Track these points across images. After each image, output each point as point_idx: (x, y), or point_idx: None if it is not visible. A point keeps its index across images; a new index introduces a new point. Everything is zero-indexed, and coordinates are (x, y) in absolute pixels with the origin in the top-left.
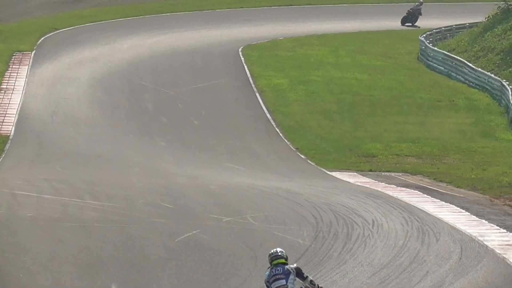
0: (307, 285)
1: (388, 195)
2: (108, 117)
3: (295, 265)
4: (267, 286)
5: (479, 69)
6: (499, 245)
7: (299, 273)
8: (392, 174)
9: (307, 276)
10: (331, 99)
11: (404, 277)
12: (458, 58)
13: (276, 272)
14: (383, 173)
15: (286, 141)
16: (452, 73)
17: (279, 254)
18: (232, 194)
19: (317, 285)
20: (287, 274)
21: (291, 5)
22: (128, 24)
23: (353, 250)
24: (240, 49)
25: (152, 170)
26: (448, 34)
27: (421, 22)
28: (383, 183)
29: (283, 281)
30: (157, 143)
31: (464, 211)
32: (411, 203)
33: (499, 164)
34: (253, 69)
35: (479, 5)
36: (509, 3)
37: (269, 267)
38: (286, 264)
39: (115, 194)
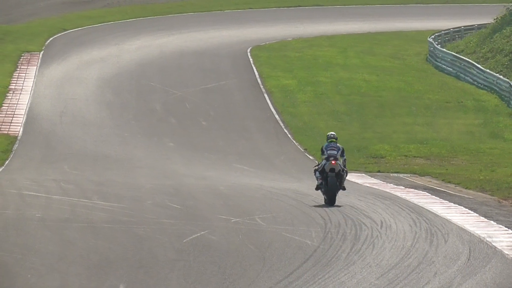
0: (342, 161)
1: (397, 196)
2: (116, 117)
3: (342, 146)
4: (322, 150)
5: (488, 70)
6: (508, 246)
7: (342, 151)
8: (401, 175)
9: (344, 156)
10: (339, 100)
11: (412, 278)
12: (467, 59)
13: (332, 145)
14: (391, 174)
15: (294, 142)
16: (461, 74)
17: (333, 136)
18: (241, 195)
19: (345, 165)
20: (338, 149)
21: (299, 6)
22: (136, 25)
23: (362, 251)
24: (248, 50)
25: (161, 171)
26: (457, 36)
27: (430, 24)
28: (391, 184)
29: (335, 152)
30: (166, 144)
31: (472, 212)
32: (420, 204)
33: (508, 165)
34: (262, 70)
35: (488, 6)
36: None
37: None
38: (337, 143)
39: (124, 194)
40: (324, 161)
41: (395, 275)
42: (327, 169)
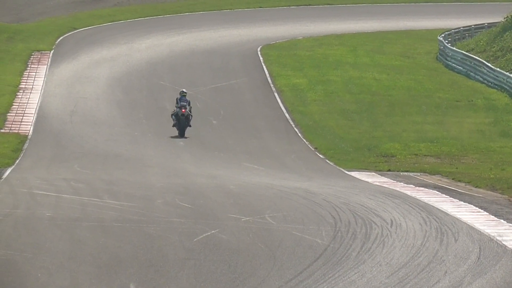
0: (189, 109)
1: (407, 195)
2: (126, 116)
3: (189, 99)
4: (177, 101)
5: (498, 69)
6: None
7: (189, 103)
8: (411, 174)
9: (190, 105)
10: (349, 99)
11: (422, 277)
12: (477, 58)
13: (183, 98)
14: (401, 173)
15: (304, 141)
16: (471, 73)
17: (185, 91)
18: (251, 194)
19: (191, 111)
20: (187, 101)
21: (310, 4)
22: (146, 24)
23: (372, 250)
24: (258, 49)
25: (171, 169)
26: (467, 34)
27: (440, 22)
28: (401, 183)
29: (185, 103)
30: (176, 143)
31: (482, 211)
32: (430, 203)
33: None
34: (272, 68)
35: (498, 5)
36: None
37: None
38: (186, 97)
39: (134, 193)
40: (177, 109)
41: (405, 274)
42: (179, 114)
